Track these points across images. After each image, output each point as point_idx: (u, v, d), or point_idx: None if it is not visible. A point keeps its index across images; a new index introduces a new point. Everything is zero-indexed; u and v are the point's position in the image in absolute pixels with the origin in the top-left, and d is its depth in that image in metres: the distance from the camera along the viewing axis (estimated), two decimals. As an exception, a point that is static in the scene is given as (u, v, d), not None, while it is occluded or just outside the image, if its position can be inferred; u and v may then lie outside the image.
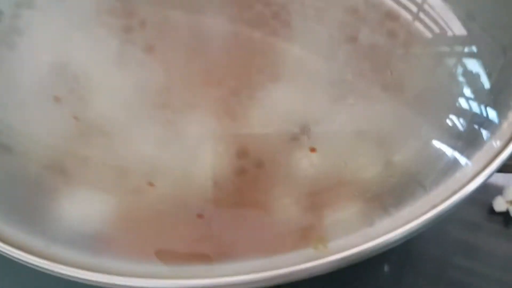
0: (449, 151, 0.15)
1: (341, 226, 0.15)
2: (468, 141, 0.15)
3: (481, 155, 0.15)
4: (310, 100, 0.15)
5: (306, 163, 0.15)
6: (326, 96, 0.15)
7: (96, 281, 0.15)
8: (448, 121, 0.15)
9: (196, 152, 0.16)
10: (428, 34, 0.16)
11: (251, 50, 0.16)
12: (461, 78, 0.16)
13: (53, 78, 0.17)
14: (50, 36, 0.17)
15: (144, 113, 0.16)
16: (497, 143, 0.15)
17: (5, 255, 0.16)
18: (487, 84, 0.16)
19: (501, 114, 0.16)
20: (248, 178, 0.15)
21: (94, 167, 0.16)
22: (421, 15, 0.16)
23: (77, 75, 0.16)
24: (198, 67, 0.16)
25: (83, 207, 0.16)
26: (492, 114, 0.15)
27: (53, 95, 0.16)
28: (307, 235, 0.15)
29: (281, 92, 0.15)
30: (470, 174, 0.14)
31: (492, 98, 0.16)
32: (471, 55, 0.16)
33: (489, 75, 0.15)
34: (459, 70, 0.16)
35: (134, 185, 0.16)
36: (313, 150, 0.15)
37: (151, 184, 0.16)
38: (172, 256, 0.15)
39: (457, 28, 0.16)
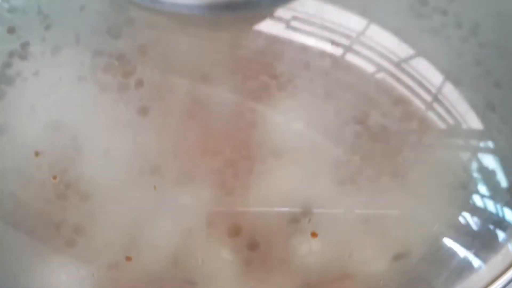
0: (462, 251, 0.14)
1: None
2: (483, 242, 0.14)
3: (497, 259, 0.13)
4: (313, 180, 0.14)
5: (306, 249, 0.14)
6: (331, 176, 0.14)
7: None
8: (461, 219, 0.14)
9: (184, 227, 0.14)
10: (443, 124, 0.15)
11: (252, 122, 0.15)
12: (476, 174, 0.15)
13: (37, 132, 0.15)
14: (40, 89, 0.16)
15: (131, 179, 0.15)
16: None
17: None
18: (504, 183, 0.15)
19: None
20: (240, 261, 0.14)
21: (68, 234, 0.15)
22: (437, 103, 0.15)
23: (63, 132, 0.15)
24: (195, 134, 0.15)
25: (54, 280, 0.15)
26: (509, 215, 0.14)
27: (35, 150, 0.15)
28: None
29: (282, 169, 0.14)
30: (485, 279, 0.13)
31: (509, 198, 0.15)
32: (488, 150, 0.15)
33: (507, 174, 0.15)
34: (475, 165, 0.15)
35: (110, 259, 0.14)
36: (314, 235, 0.14)
37: (128, 258, 0.14)
38: None
39: (475, 119, 0.15)
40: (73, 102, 0.16)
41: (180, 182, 0.14)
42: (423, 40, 0.17)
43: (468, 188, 0.15)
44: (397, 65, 0.16)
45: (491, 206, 0.14)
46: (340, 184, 0.14)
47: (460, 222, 0.14)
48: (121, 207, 0.15)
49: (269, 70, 0.15)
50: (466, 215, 0.14)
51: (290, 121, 0.15)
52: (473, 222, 0.14)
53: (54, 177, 0.15)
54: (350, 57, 0.16)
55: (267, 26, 0.17)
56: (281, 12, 0.17)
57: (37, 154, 0.15)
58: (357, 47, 0.16)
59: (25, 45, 0.17)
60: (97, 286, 0.15)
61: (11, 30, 0.17)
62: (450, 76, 0.16)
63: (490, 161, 0.15)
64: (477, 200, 0.14)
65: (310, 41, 0.16)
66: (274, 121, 0.15)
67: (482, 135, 0.16)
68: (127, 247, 0.14)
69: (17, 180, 0.15)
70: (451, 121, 0.15)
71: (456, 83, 0.16)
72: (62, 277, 0.15)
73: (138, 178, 0.15)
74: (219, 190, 0.14)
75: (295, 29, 0.16)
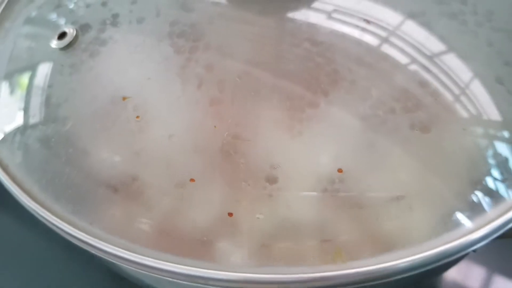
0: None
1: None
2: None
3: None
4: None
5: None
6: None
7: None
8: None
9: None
10: (454, 99, 0.18)
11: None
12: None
13: (125, 82, 0.19)
14: (128, 49, 0.20)
15: (198, 117, 0.19)
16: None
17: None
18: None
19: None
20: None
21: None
22: (449, 80, 0.19)
23: (146, 81, 0.19)
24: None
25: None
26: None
27: (122, 96, 0.19)
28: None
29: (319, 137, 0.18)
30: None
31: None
32: (498, 123, 0.18)
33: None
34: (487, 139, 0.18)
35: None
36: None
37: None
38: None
39: (483, 92, 0.18)
40: (154, 60, 0.20)
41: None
42: (442, 23, 0.20)
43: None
44: (415, 45, 0.19)
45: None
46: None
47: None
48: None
49: (312, 55, 0.19)
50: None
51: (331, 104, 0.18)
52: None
53: (137, 117, 0.19)
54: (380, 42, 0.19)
55: (310, 11, 0.20)
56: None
57: (124, 98, 0.19)
58: (384, 31, 0.20)
59: (115, 16, 0.21)
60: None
61: (104, 4, 0.22)
62: (464, 54, 0.19)
63: (500, 136, 0.18)
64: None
65: (350, 21, 0.20)
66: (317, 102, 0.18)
67: (490, 107, 0.19)
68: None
69: (107, 119, 0.19)
70: (460, 95, 0.19)
71: (468, 60, 0.19)
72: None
73: (201, 119, 0.18)
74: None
75: (334, 16, 0.20)
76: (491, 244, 0.22)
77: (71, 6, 0.22)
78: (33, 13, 0.24)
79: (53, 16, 0.22)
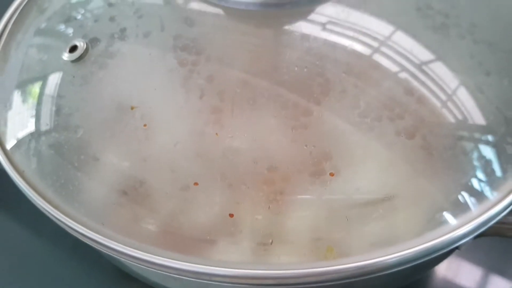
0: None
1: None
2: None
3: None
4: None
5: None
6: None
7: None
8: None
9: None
10: (439, 103, 0.20)
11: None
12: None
13: (133, 91, 0.21)
14: (135, 60, 0.22)
15: (197, 127, 0.20)
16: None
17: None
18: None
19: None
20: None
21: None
22: (433, 85, 0.20)
23: (152, 90, 0.21)
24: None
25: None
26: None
27: (131, 105, 0.20)
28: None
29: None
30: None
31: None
32: (480, 127, 0.20)
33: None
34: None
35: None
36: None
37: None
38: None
39: (466, 99, 0.20)
40: (159, 71, 0.21)
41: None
42: (426, 35, 0.21)
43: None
44: (402, 55, 0.20)
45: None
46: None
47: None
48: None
49: (307, 65, 0.20)
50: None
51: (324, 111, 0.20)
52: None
53: (145, 125, 0.20)
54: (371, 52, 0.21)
55: (307, 21, 0.22)
56: (318, 11, 0.22)
57: (132, 108, 0.20)
58: (375, 42, 0.21)
59: (123, 30, 0.22)
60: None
61: (112, 19, 0.23)
62: (447, 65, 0.21)
63: (480, 139, 0.20)
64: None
65: (339, 39, 0.21)
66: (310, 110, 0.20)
67: (471, 113, 0.20)
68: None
69: (116, 127, 0.21)
70: (444, 102, 0.20)
71: (452, 70, 0.21)
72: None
73: (204, 127, 0.20)
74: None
75: (328, 27, 0.21)
76: (479, 242, 0.24)
77: (81, 19, 0.24)
78: (43, 26, 0.25)
79: (63, 29, 0.24)
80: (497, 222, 0.20)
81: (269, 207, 0.18)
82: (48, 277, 0.33)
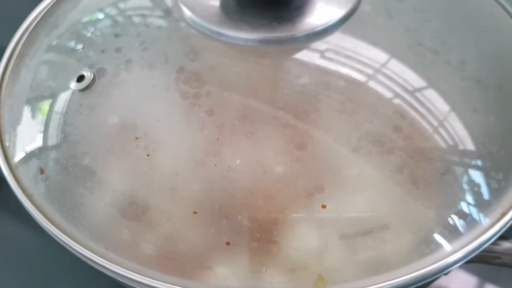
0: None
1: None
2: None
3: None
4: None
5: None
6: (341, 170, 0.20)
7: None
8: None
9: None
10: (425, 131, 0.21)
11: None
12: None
13: (137, 121, 0.22)
14: (139, 92, 0.23)
15: (198, 158, 0.21)
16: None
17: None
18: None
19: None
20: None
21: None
22: (422, 119, 0.21)
23: (156, 122, 0.22)
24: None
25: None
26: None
27: (135, 136, 0.22)
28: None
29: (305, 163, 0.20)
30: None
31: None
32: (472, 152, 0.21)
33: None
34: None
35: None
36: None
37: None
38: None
39: (454, 135, 0.21)
40: (162, 103, 0.22)
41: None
42: (417, 72, 0.22)
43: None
44: (393, 91, 0.22)
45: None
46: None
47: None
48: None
49: (302, 100, 0.22)
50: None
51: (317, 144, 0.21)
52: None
53: (148, 155, 0.21)
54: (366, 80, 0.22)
55: (303, 56, 0.23)
56: (314, 45, 0.23)
57: (137, 138, 0.22)
58: (369, 73, 0.22)
59: (128, 61, 0.24)
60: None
61: (117, 50, 0.24)
62: (436, 101, 0.22)
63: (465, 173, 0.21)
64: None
65: (337, 68, 0.22)
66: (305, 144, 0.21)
67: (461, 145, 0.21)
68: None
69: (120, 156, 0.22)
70: (433, 133, 0.21)
71: (441, 106, 0.22)
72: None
73: (203, 159, 0.21)
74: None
75: (326, 58, 0.23)
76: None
77: (88, 49, 0.25)
78: (52, 54, 0.26)
79: (71, 58, 0.25)
80: (483, 251, 0.21)
81: (263, 236, 0.20)
82: (48, 277, 0.33)
